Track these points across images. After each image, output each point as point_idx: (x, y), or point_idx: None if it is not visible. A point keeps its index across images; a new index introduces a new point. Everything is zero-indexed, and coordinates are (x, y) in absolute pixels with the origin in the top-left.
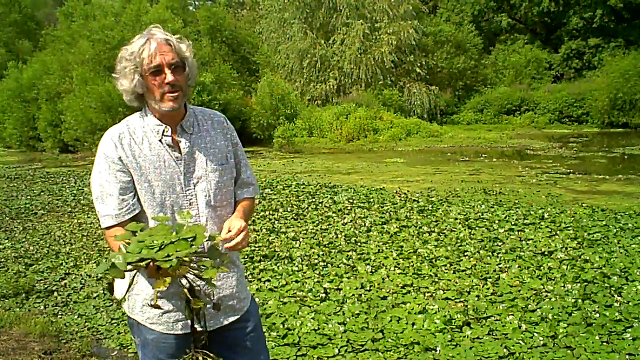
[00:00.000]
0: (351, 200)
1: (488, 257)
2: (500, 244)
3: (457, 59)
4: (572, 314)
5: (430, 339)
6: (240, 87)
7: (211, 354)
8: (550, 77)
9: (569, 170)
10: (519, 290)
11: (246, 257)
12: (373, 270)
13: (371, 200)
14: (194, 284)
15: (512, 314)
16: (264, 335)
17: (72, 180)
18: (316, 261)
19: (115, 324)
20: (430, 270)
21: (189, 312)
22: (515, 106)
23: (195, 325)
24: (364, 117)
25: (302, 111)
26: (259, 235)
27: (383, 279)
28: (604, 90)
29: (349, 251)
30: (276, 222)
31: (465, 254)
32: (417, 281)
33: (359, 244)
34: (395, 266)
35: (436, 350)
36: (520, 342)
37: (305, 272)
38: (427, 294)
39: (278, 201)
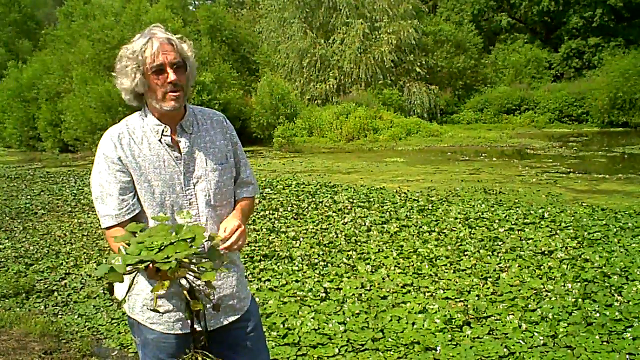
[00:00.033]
0: (351, 200)
1: (488, 257)
2: (500, 243)
3: (457, 58)
4: (573, 314)
5: (431, 338)
6: (240, 86)
7: (210, 355)
8: (550, 77)
9: (569, 170)
10: (519, 290)
11: (246, 256)
12: (373, 270)
13: (371, 199)
14: (194, 285)
15: (513, 314)
16: (264, 334)
17: (72, 180)
18: (316, 261)
19: (116, 324)
20: (431, 270)
21: (189, 313)
22: (515, 105)
23: (195, 326)
24: (364, 117)
25: (302, 111)
26: (259, 234)
27: (383, 279)
28: (604, 90)
29: (349, 251)
30: (276, 221)
31: (466, 253)
32: (417, 281)
33: (359, 243)
34: (395, 266)
35: (436, 350)
36: (521, 341)
37: (305, 272)
38: (427, 294)
39: (278, 201)
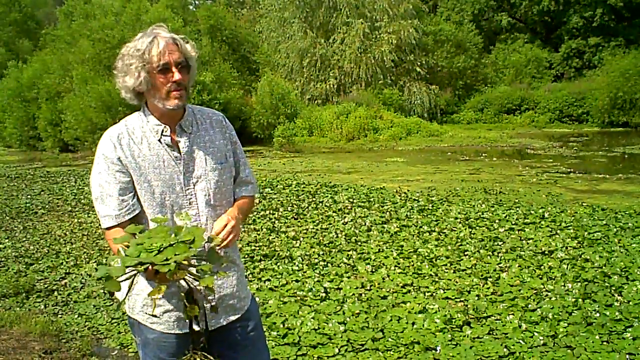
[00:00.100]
0: (351, 200)
1: (488, 257)
2: (500, 243)
3: (457, 58)
4: (573, 314)
5: (431, 338)
6: (241, 86)
7: (209, 356)
8: (551, 77)
9: (569, 170)
10: (519, 290)
11: (246, 256)
12: (373, 270)
13: (371, 199)
14: (192, 286)
15: (513, 314)
16: (264, 334)
17: (72, 179)
18: (316, 261)
19: (116, 324)
20: (431, 270)
21: (186, 315)
22: (515, 105)
23: (194, 327)
24: (364, 117)
25: (302, 110)
26: (259, 234)
27: (383, 279)
28: (604, 90)
29: (349, 251)
30: (276, 221)
31: (466, 253)
32: (418, 281)
33: (359, 243)
34: (395, 266)
35: (436, 350)
36: (521, 341)
37: (305, 272)
38: (427, 294)
39: (278, 200)
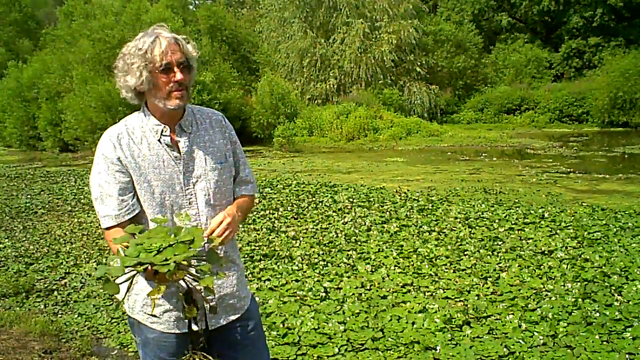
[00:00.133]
0: (351, 200)
1: (488, 257)
2: (500, 243)
3: (458, 58)
4: (572, 313)
5: (430, 338)
6: (241, 86)
7: (208, 357)
8: (551, 76)
9: (569, 170)
10: (519, 290)
11: (246, 256)
12: (373, 270)
13: (371, 199)
14: (192, 286)
15: (512, 313)
16: (264, 334)
17: (72, 179)
18: (316, 260)
19: (116, 323)
20: (431, 270)
21: (185, 315)
22: (515, 105)
23: (193, 327)
24: (364, 116)
25: (302, 110)
26: (259, 234)
27: (383, 278)
28: (604, 90)
29: (349, 250)
30: (276, 221)
31: (466, 253)
32: (417, 280)
33: (359, 243)
34: (395, 265)
35: (436, 350)
36: (521, 341)
37: (305, 272)
38: (427, 293)
39: (278, 200)
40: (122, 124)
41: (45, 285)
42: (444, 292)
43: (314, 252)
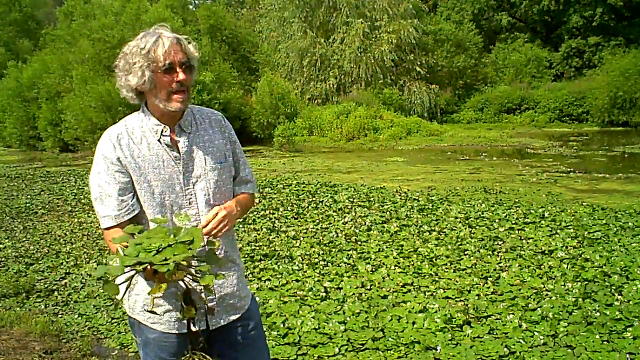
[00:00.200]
0: (351, 199)
1: (488, 256)
2: (500, 242)
3: (458, 57)
4: (573, 313)
5: (431, 338)
6: (240, 86)
7: (207, 357)
8: (551, 76)
9: (569, 169)
10: (520, 289)
11: (246, 256)
12: (373, 269)
13: (371, 199)
14: (191, 287)
15: (513, 313)
16: (264, 334)
17: (72, 179)
18: (316, 260)
19: (116, 324)
20: (431, 269)
21: (183, 315)
22: (515, 105)
23: (192, 327)
24: (364, 116)
25: (302, 110)
26: (259, 234)
27: (383, 278)
28: (604, 89)
29: (349, 250)
30: (276, 221)
31: (466, 252)
32: (418, 280)
33: (359, 243)
34: (395, 265)
35: (437, 349)
36: (521, 341)
37: (305, 271)
38: (427, 293)
39: (278, 200)
40: (121, 124)
41: (46, 286)
42: (445, 291)
43: (314, 252)
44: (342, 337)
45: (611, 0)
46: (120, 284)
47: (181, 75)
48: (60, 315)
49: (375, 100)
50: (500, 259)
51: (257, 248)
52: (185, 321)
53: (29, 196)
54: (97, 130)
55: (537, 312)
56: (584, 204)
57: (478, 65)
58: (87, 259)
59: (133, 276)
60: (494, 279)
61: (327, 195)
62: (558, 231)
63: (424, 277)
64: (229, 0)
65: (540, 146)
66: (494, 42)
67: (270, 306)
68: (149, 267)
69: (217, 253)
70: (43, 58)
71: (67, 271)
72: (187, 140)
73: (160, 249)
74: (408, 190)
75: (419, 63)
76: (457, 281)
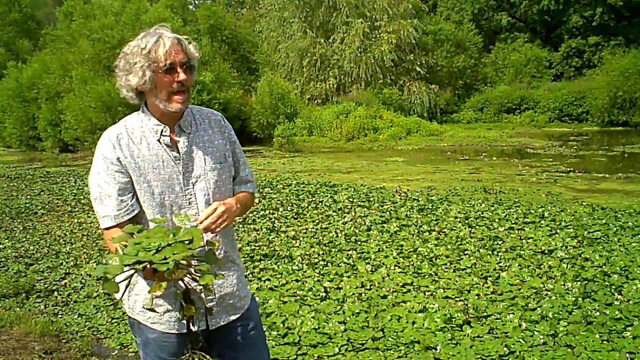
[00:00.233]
0: (351, 199)
1: (488, 256)
2: (500, 242)
3: (457, 57)
4: (573, 313)
5: (431, 337)
6: (240, 86)
7: (207, 356)
8: (550, 76)
9: (569, 169)
10: (519, 289)
11: (246, 256)
12: (373, 269)
13: (371, 199)
14: (190, 287)
15: (513, 313)
16: (264, 333)
17: (72, 179)
18: (316, 260)
19: (116, 324)
20: (431, 269)
21: (183, 315)
22: (515, 105)
23: (191, 327)
24: (364, 116)
25: (302, 110)
26: (259, 234)
27: (383, 278)
28: (604, 89)
29: (349, 250)
30: (276, 221)
31: (466, 252)
32: (418, 280)
33: (359, 243)
34: (395, 265)
35: (436, 349)
36: (521, 340)
37: (305, 271)
38: (427, 293)
39: (278, 200)
40: (121, 124)
41: (46, 286)
42: (444, 291)
43: (314, 252)
44: (342, 337)
45: (611, 0)
46: (119, 282)
47: (182, 76)
48: (60, 316)
49: (375, 100)
50: (500, 259)
51: (257, 248)
52: (184, 321)
53: (28, 196)
54: (97, 130)
55: (537, 312)
56: (583, 203)
57: (478, 65)
58: (87, 259)
59: (132, 275)
60: (494, 278)
61: (326, 195)
62: (558, 231)
63: (424, 277)
64: (229, 0)
65: (540, 146)
66: (493, 42)
67: (270, 306)
68: (148, 266)
69: (217, 253)
70: (43, 58)
71: (67, 271)
72: (186, 140)
73: (160, 248)
74: (408, 190)
75: (418, 63)
76: (456, 281)
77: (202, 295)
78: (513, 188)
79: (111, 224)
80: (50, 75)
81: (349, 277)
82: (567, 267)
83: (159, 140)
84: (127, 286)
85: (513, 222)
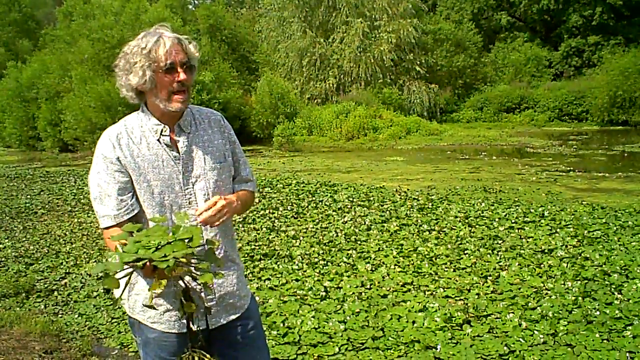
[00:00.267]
0: (351, 199)
1: (488, 255)
2: (500, 242)
3: (457, 57)
4: (573, 312)
5: (431, 337)
6: (240, 85)
7: (207, 355)
8: (550, 75)
9: (569, 168)
10: (519, 288)
11: (246, 255)
12: (373, 269)
13: (371, 198)
14: (190, 285)
15: (513, 312)
16: (264, 333)
17: (72, 179)
18: (316, 260)
19: (116, 323)
20: (431, 269)
21: (183, 313)
22: (515, 104)
23: (191, 326)
24: (364, 116)
25: (301, 110)
26: (259, 233)
27: (383, 278)
28: (603, 88)
29: (349, 250)
30: (276, 220)
31: (466, 252)
32: (418, 279)
33: (359, 242)
34: (395, 264)
35: (437, 349)
36: (521, 340)
37: (305, 271)
38: (427, 292)
39: (278, 200)
40: (121, 123)
41: (46, 286)
42: (444, 291)
43: (314, 251)
44: (342, 336)
45: None
46: (119, 279)
47: (182, 75)
48: (60, 315)
49: (374, 100)
50: (500, 258)
51: (257, 247)
52: (184, 321)
53: (28, 196)
54: (97, 130)
55: (537, 311)
56: (583, 203)
57: (477, 65)
58: (87, 259)
59: (132, 272)
60: (494, 278)
61: (326, 195)
62: (558, 230)
63: (424, 277)
64: (228, 0)
65: (539, 145)
66: (493, 41)
67: (270, 305)
68: (148, 263)
69: (217, 252)
70: (42, 58)
71: (67, 271)
72: (186, 140)
73: (160, 246)
74: (408, 189)
75: (418, 62)
76: (456, 280)
77: (202, 294)
78: (513, 187)
79: (111, 224)
80: (50, 75)
81: (349, 276)
82: (567, 267)
83: (158, 140)
84: (126, 284)
85: (513, 221)
